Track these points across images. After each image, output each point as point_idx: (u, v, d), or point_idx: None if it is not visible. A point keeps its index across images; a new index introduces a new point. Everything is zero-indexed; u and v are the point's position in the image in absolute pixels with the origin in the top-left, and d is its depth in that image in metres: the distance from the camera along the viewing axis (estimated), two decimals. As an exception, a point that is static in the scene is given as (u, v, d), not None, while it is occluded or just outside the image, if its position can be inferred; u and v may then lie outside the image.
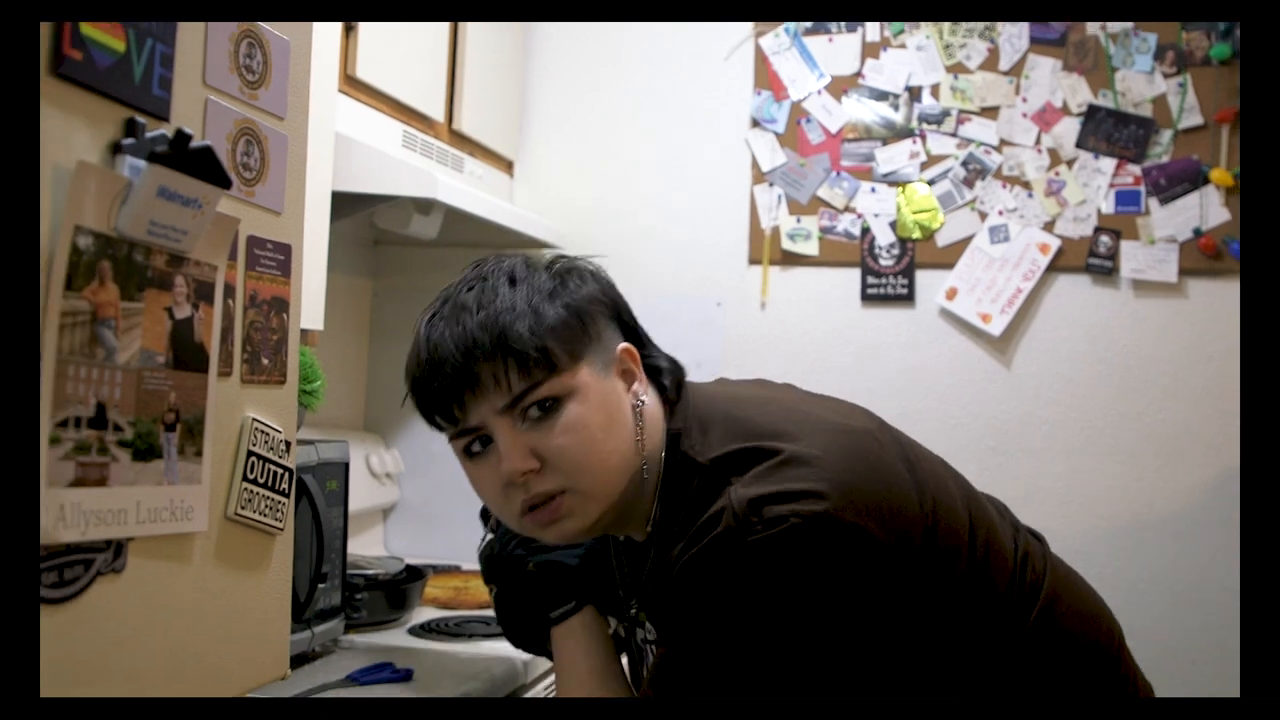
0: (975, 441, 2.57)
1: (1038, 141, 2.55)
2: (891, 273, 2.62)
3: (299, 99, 1.21)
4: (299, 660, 1.75)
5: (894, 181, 2.62)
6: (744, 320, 2.71)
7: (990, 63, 2.58)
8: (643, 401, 1.26)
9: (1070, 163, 2.54)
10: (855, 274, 2.64)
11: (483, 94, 2.58)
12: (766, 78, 2.70)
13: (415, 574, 2.21)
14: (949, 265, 2.59)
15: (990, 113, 2.58)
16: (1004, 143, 2.57)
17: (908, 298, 2.61)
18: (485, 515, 1.51)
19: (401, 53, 2.24)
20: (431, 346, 1.20)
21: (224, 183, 0.99)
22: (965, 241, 2.58)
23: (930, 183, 2.60)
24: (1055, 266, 2.54)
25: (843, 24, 2.66)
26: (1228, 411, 2.43)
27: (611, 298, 1.29)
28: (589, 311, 1.24)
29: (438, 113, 2.40)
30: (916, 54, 2.62)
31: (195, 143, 0.95)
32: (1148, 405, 2.50)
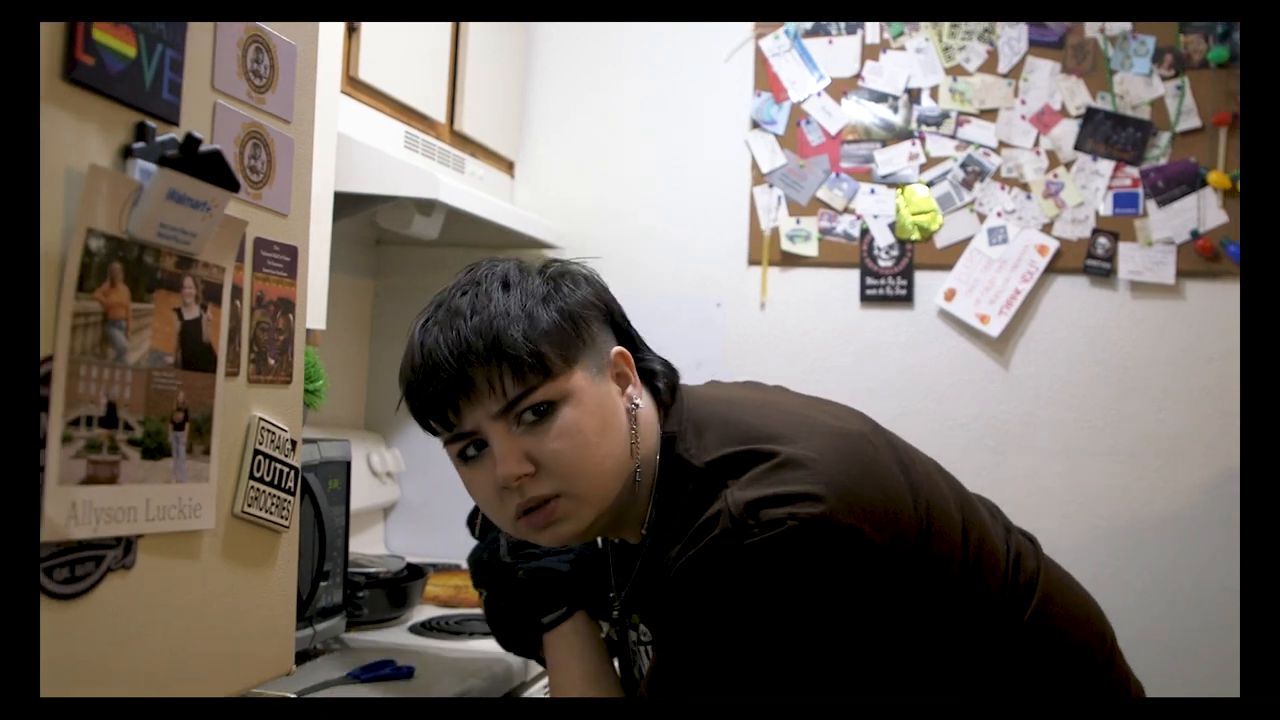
0: (974, 442, 2.58)
1: (1036, 144, 2.57)
2: (890, 274, 2.63)
3: (305, 102, 1.22)
4: (301, 658, 1.76)
5: (893, 183, 2.64)
6: (744, 321, 2.72)
7: (989, 65, 2.60)
8: (637, 405, 1.26)
9: (1068, 165, 2.55)
10: (854, 275, 2.66)
11: (484, 95, 2.60)
12: (766, 79, 2.71)
13: (416, 572, 2.22)
14: (948, 266, 2.60)
15: (989, 115, 2.59)
16: (1003, 145, 2.58)
17: (906, 299, 2.63)
18: (472, 523, 1.51)
19: (403, 54, 2.25)
20: (426, 351, 1.20)
21: (232, 186, 1.01)
22: (964, 243, 2.60)
23: (929, 184, 2.62)
24: (1053, 268, 2.55)
25: (842, 26, 2.67)
26: (1225, 412, 2.45)
27: (605, 301, 1.29)
28: (582, 316, 1.24)
29: (439, 114, 2.41)
30: (916, 56, 2.63)
31: (204, 147, 0.97)
32: (1146, 406, 2.51)
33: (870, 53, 2.66)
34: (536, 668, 1.93)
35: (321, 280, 1.83)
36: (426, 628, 2.10)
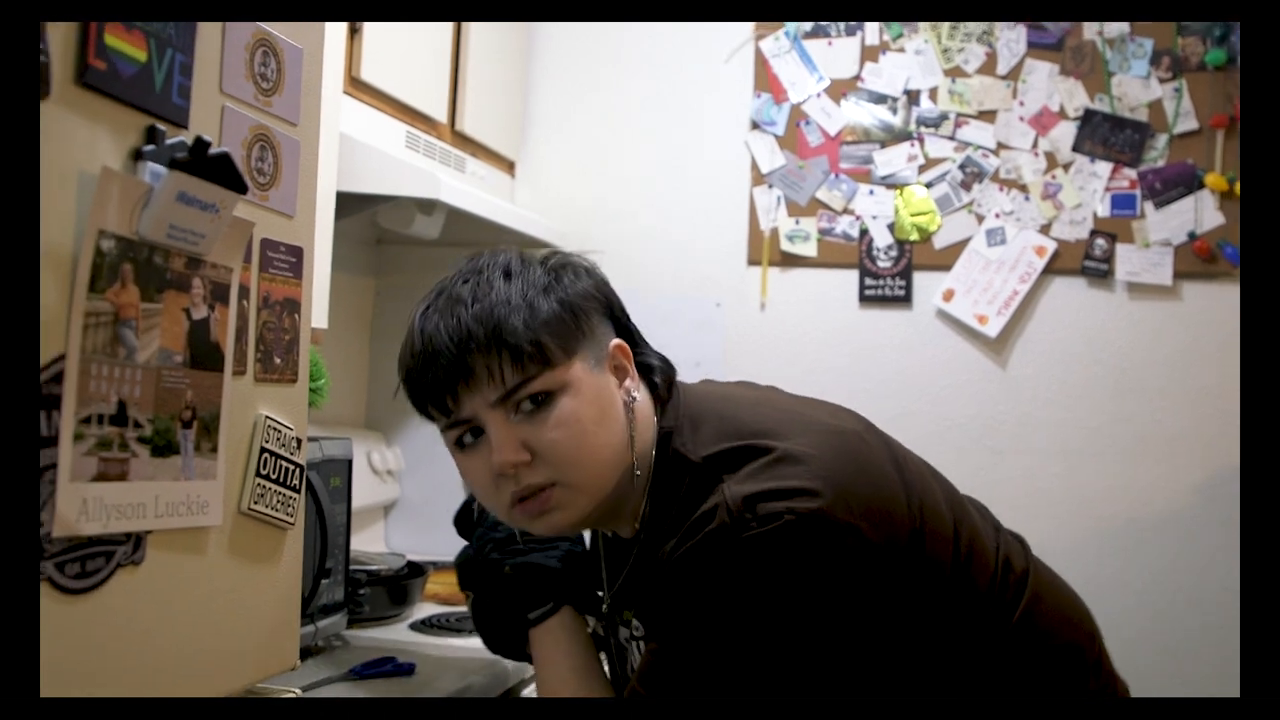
0: (972, 442, 2.59)
1: (1034, 145, 2.58)
2: (889, 274, 2.65)
3: (311, 105, 1.23)
4: (302, 654, 1.76)
5: (892, 184, 2.65)
6: (743, 320, 2.73)
7: (988, 67, 2.61)
8: (634, 398, 1.26)
9: (1066, 166, 2.56)
10: (853, 275, 2.67)
11: (485, 95, 2.61)
12: (766, 80, 2.73)
13: (417, 570, 2.23)
14: (946, 267, 2.61)
15: (988, 116, 2.61)
16: (1001, 146, 2.60)
17: (905, 299, 2.64)
18: (459, 523, 1.51)
19: (405, 55, 2.27)
20: (426, 338, 1.21)
21: (240, 188, 1.02)
22: (962, 244, 2.61)
23: (928, 185, 2.63)
24: (1051, 269, 2.57)
25: (842, 28, 2.69)
26: (1223, 412, 2.46)
27: (605, 294, 1.30)
28: (583, 307, 1.24)
29: (440, 114, 2.43)
30: (915, 58, 2.65)
31: (213, 150, 0.98)
32: (1143, 406, 2.52)
33: (870, 54, 2.67)
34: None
35: (324, 279, 1.84)
36: (427, 625, 2.11)
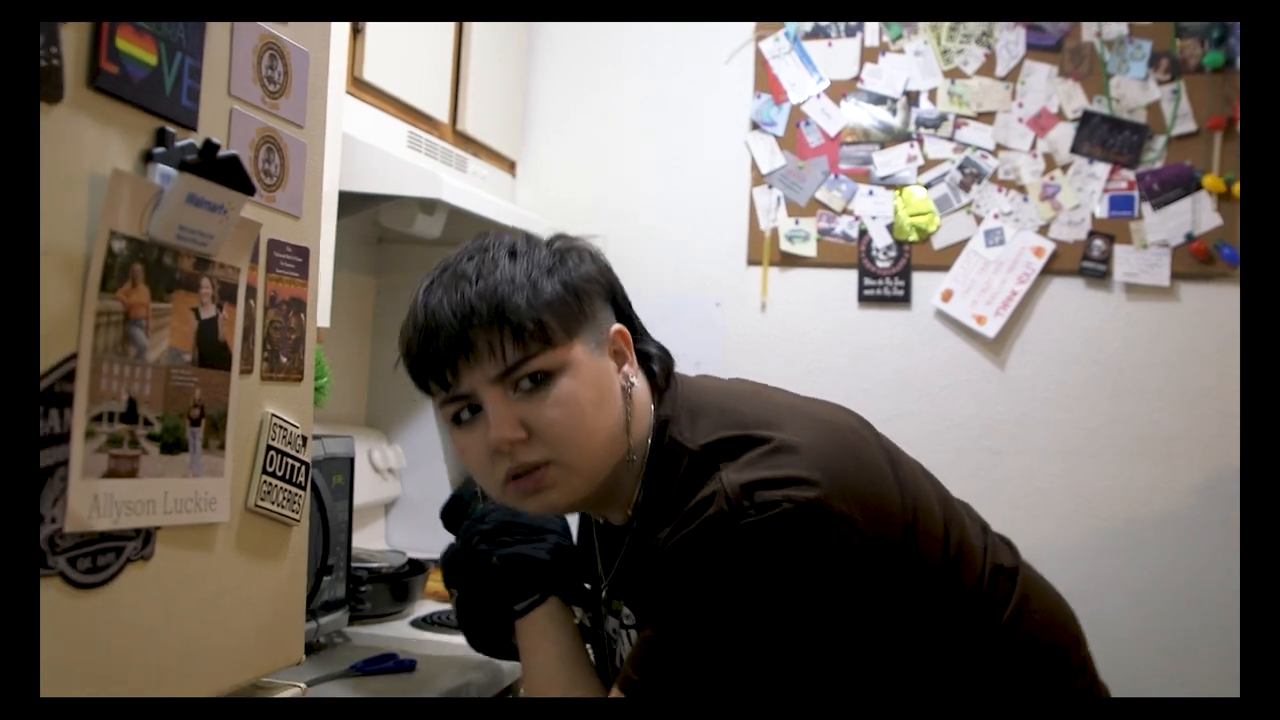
0: (970, 442, 2.60)
1: (1033, 146, 2.59)
2: (888, 274, 2.66)
3: (317, 107, 1.25)
4: (305, 651, 1.78)
5: (891, 185, 2.66)
6: (743, 320, 2.75)
7: (987, 68, 2.62)
8: (633, 384, 1.27)
9: (1065, 167, 2.58)
10: (853, 275, 2.68)
11: (486, 95, 2.62)
12: (766, 81, 2.74)
13: (418, 567, 2.25)
14: (945, 268, 2.62)
15: (987, 117, 2.62)
16: (1000, 147, 2.61)
17: (904, 299, 2.65)
18: (445, 516, 1.52)
19: (407, 55, 2.28)
20: (429, 312, 1.21)
21: (248, 190, 1.03)
22: (961, 244, 2.62)
23: (927, 186, 2.64)
24: (1049, 270, 2.58)
25: (842, 29, 2.70)
26: (1221, 413, 2.46)
27: (608, 279, 1.31)
28: (586, 290, 1.25)
29: (442, 114, 2.44)
30: (914, 59, 2.66)
31: (222, 152, 1.00)
32: (1141, 407, 2.53)
33: (869, 55, 2.68)
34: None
35: (326, 278, 1.85)
36: (428, 622, 2.12)
